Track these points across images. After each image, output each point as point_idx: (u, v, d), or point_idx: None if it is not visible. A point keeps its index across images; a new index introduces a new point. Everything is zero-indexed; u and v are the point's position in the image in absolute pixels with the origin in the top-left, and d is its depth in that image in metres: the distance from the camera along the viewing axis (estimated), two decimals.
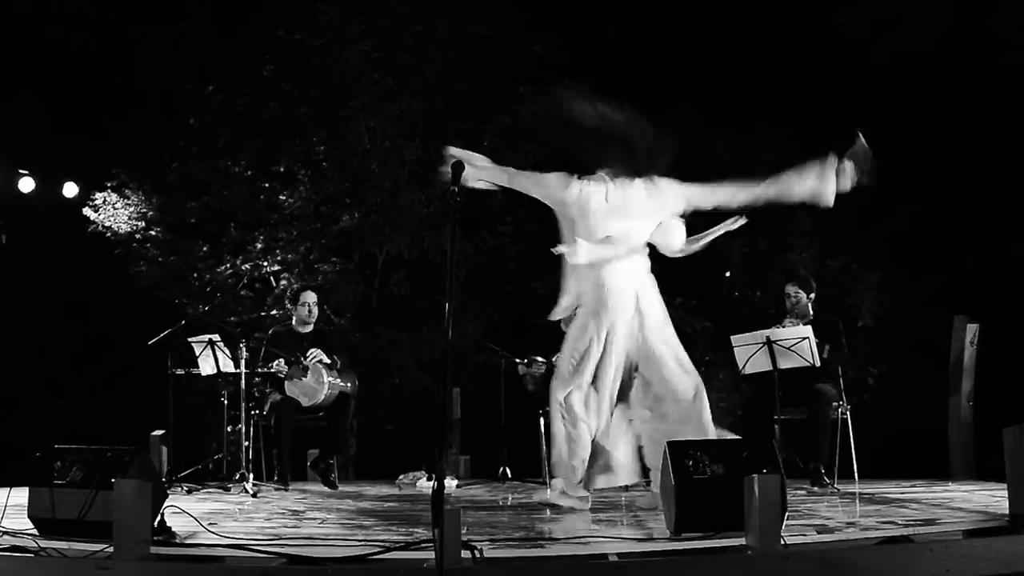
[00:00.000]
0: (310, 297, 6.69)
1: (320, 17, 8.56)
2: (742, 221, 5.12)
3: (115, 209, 8.88)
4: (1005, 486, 3.93)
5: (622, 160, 4.74)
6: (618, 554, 3.32)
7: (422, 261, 9.09)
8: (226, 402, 6.74)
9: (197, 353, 6.43)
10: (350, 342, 7.78)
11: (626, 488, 6.10)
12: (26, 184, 8.75)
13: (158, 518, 3.57)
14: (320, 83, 8.82)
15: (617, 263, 4.77)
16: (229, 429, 6.82)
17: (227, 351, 6.33)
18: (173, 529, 3.69)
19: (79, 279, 9.12)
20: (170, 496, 3.92)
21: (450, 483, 6.39)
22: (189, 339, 6.44)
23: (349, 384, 6.52)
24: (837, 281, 8.48)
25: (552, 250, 4.79)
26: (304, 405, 6.41)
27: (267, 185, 8.97)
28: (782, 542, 3.24)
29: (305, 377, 6.39)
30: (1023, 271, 7.79)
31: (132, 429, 6.75)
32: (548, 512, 4.68)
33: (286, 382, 6.40)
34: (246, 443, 6.16)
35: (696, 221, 5.66)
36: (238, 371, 6.14)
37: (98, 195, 8.90)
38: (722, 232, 5.47)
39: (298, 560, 3.19)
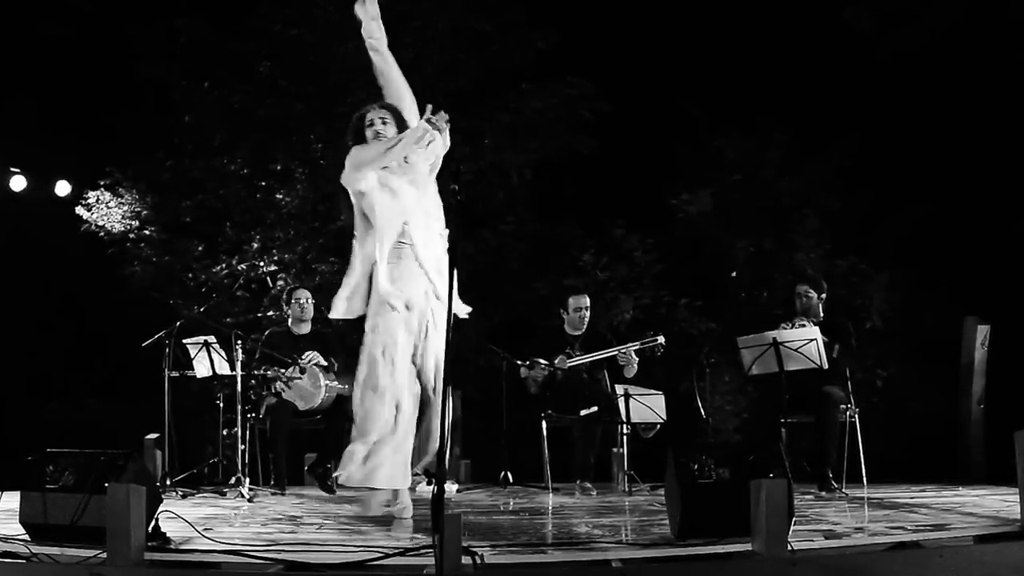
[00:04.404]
0: (302, 294, 6.66)
1: (317, 12, 8.50)
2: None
3: (108, 208, 8.81)
4: (1016, 491, 3.91)
5: None
6: (621, 560, 3.29)
7: None
8: (222, 405, 6.68)
9: (192, 355, 6.38)
10: (348, 344, 7.71)
11: (629, 492, 6.08)
12: (18, 183, 8.70)
13: (152, 523, 3.53)
14: (317, 80, 8.76)
15: None
16: (225, 432, 6.77)
17: (223, 353, 6.28)
18: (168, 535, 3.65)
19: (72, 279, 9.05)
20: (165, 501, 3.87)
21: (450, 487, 6.33)
22: (184, 341, 6.39)
23: (347, 387, 6.45)
24: (845, 281, 8.44)
25: None
26: (301, 408, 6.36)
27: (263, 183, 8.90)
28: (789, 548, 3.21)
29: (302, 380, 6.32)
30: None
31: (126, 432, 6.70)
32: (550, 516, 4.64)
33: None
34: (242, 447, 6.12)
35: None
36: (234, 373, 6.09)
37: (91, 194, 8.83)
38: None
39: (295, 566, 3.17)
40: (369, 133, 4.60)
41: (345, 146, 4.66)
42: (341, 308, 4.57)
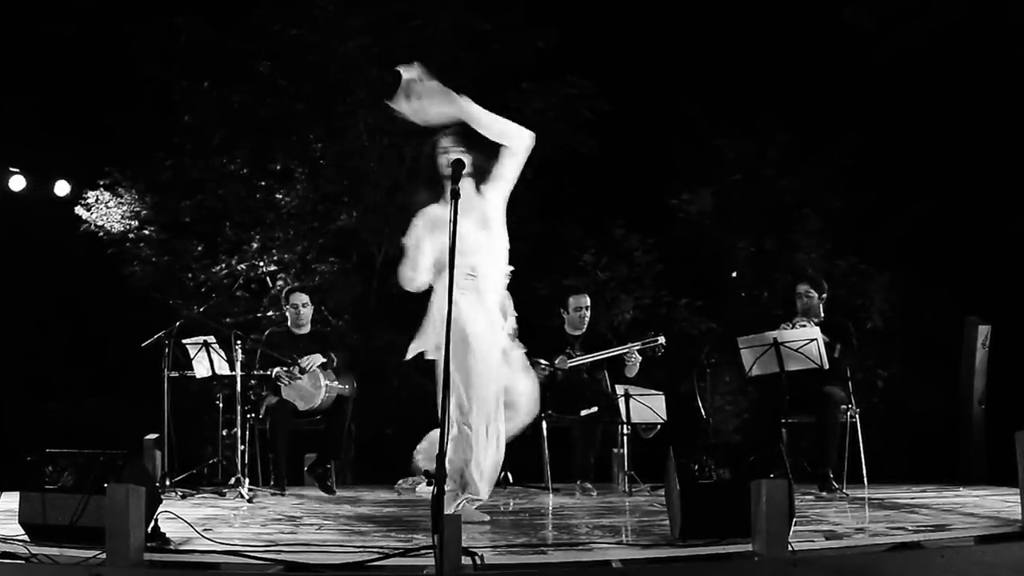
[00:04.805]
0: (298, 299, 6.59)
1: (317, 12, 8.48)
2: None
3: (108, 208, 8.78)
4: (1017, 491, 3.91)
5: None
6: (622, 560, 3.28)
7: None
8: (221, 405, 6.68)
9: (192, 355, 6.36)
10: (348, 344, 7.70)
11: (629, 492, 6.06)
12: (17, 183, 8.69)
13: (152, 524, 3.52)
14: (317, 79, 8.74)
15: None
16: (224, 433, 6.76)
17: (222, 353, 6.26)
18: (167, 535, 3.64)
19: (71, 279, 9.04)
20: (164, 501, 3.85)
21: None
22: (183, 341, 6.37)
23: (347, 387, 6.44)
24: (846, 281, 8.44)
25: None
26: (301, 409, 6.34)
27: (263, 183, 8.88)
28: (790, 548, 3.20)
29: (302, 380, 6.31)
30: None
31: (125, 433, 6.68)
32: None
33: (282, 386, 6.33)
34: (242, 447, 6.10)
35: None
36: (233, 373, 6.07)
37: (90, 194, 8.80)
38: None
39: (295, 567, 3.16)
40: (442, 160, 4.47)
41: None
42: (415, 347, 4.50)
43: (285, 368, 6.27)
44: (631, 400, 6.29)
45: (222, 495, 5.96)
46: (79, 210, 8.78)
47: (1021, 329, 7.30)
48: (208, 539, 3.66)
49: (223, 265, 8.79)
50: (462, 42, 8.83)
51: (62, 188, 8.91)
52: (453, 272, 3.55)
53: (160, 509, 3.63)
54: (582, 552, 3.50)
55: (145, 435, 6.50)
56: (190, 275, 8.82)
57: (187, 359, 6.41)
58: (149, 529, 3.45)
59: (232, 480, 6.15)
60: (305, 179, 8.82)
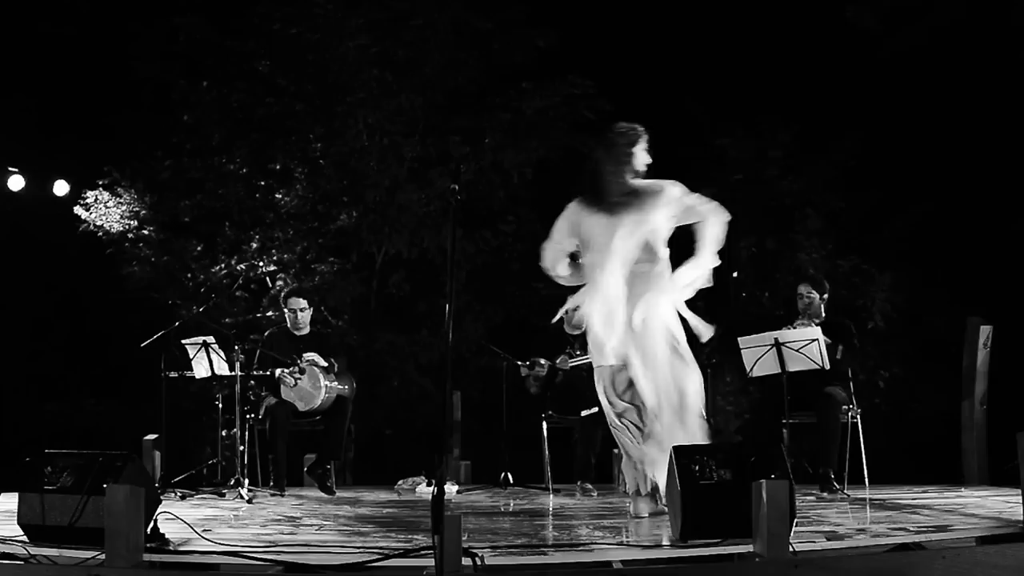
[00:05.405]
0: (296, 304, 6.54)
1: (317, 11, 8.47)
2: None
3: (107, 208, 8.76)
4: (1019, 491, 3.90)
5: None
6: (622, 561, 3.27)
7: (421, 261, 9.03)
8: (220, 406, 6.66)
9: (191, 355, 6.35)
10: (348, 344, 7.69)
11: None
12: (16, 182, 8.68)
13: (151, 524, 3.51)
14: (317, 79, 8.74)
15: None
16: (224, 433, 6.75)
17: (221, 353, 6.25)
18: (166, 536, 3.63)
19: (70, 279, 9.03)
20: (163, 502, 3.85)
21: (450, 488, 6.31)
22: (183, 341, 6.36)
23: (346, 387, 6.43)
24: (848, 282, 8.43)
25: None
26: (301, 409, 6.33)
27: (263, 183, 8.87)
28: (791, 549, 3.19)
29: (302, 380, 6.30)
30: None
31: (124, 433, 6.70)
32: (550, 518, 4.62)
33: (282, 387, 6.32)
34: (241, 448, 6.10)
35: None
36: (233, 374, 6.06)
37: (89, 193, 8.78)
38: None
39: (295, 568, 3.16)
40: (636, 158, 4.78)
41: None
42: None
43: (287, 369, 6.26)
44: None
45: (222, 496, 5.95)
46: (78, 210, 8.76)
47: (1022, 330, 7.30)
48: (207, 540, 3.65)
49: (222, 265, 8.78)
50: (462, 42, 8.82)
51: (61, 188, 8.89)
52: (452, 275, 3.51)
53: (159, 510, 3.62)
54: (583, 553, 3.49)
55: (144, 435, 6.49)
56: (189, 275, 8.80)
57: (186, 359, 6.40)
58: (148, 530, 3.44)
59: (232, 481, 6.15)
60: (305, 179, 8.81)
